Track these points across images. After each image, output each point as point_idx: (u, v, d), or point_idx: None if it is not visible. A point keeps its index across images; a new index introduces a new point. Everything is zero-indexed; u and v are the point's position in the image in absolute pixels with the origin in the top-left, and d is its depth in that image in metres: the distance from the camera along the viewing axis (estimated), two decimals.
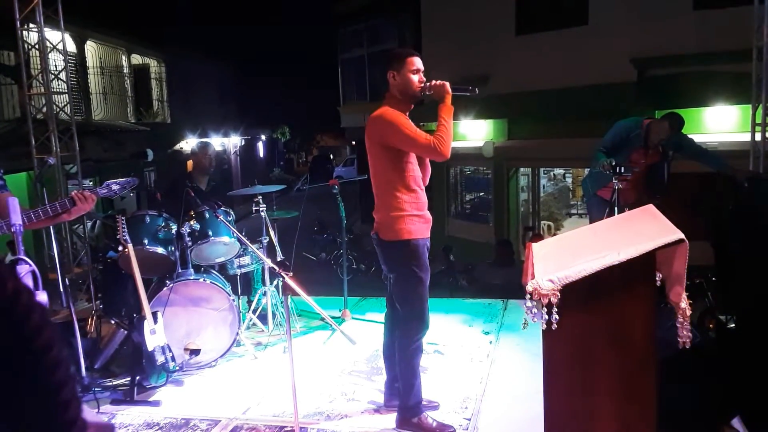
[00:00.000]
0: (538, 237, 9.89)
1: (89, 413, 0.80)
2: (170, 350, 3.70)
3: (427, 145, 2.87)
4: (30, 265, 2.48)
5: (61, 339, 0.76)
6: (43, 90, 6.21)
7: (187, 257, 4.12)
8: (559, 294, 1.91)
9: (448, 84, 2.98)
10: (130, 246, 3.77)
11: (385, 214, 2.99)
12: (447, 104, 2.97)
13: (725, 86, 7.94)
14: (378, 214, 3.04)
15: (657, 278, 2.07)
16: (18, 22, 5.93)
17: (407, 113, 3.02)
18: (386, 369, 3.32)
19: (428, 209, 3.07)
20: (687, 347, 2.00)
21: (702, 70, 8.34)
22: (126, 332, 4.00)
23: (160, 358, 3.61)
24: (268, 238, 4.52)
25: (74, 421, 0.76)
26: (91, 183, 11.89)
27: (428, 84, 2.99)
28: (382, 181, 3.00)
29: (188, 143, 16.89)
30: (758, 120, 5.90)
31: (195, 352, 3.98)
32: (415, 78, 2.97)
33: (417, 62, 2.99)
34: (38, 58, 6.29)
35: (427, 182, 3.15)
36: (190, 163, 4.78)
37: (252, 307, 4.68)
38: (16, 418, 0.73)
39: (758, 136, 5.93)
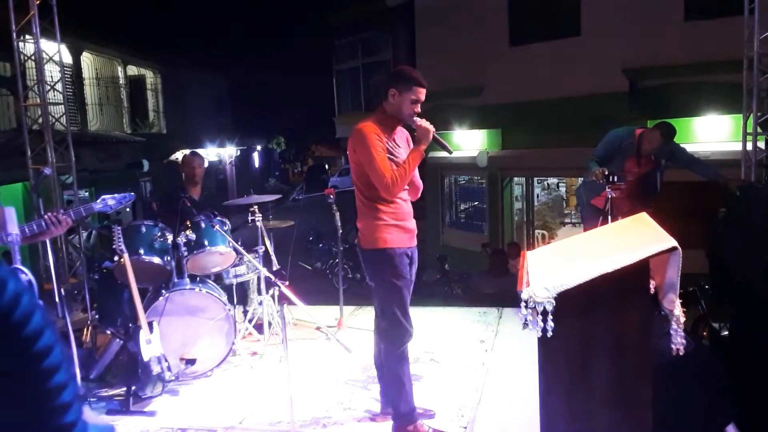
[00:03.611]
0: (515, 246, 9.95)
1: (90, 414, 0.81)
2: (166, 360, 3.70)
3: (381, 177, 2.86)
4: (26, 275, 2.48)
5: (61, 340, 0.77)
6: (39, 101, 6.22)
7: (183, 267, 4.12)
8: (554, 302, 1.92)
9: (433, 132, 2.96)
10: (125, 256, 3.77)
11: (365, 223, 3.03)
12: (420, 150, 2.96)
13: (716, 96, 8.03)
14: (359, 223, 3.08)
15: (651, 286, 2.09)
16: (14, 33, 5.95)
17: (394, 130, 3.02)
18: (378, 378, 3.31)
19: (420, 219, 3.08)
20: (681, 354, 2.02)
21: (693, 80, 8.43)
22: (122, 342, 3.99)
23: (155, 368, 3.60)
24: (263, 247, 4.53)
25: (75, 422, 0.77)
26: (86, 194, 11.89)
27: (417, 120, 2.96)
28: (363, 190, 3.00)
29: (184, 153, 16.89)
30: (749, 129, 5.96)
31: (191, 361, 3.98)
32: (410, 106, 2.94)
33: (421, 94, 2.95)
34: (34, 69, 6.29)
35: (419, 195, 3.17)
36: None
37: (248, 317, 4.67)
38: (17, 420, 0.74)
39: (749, 145, 5.99)
